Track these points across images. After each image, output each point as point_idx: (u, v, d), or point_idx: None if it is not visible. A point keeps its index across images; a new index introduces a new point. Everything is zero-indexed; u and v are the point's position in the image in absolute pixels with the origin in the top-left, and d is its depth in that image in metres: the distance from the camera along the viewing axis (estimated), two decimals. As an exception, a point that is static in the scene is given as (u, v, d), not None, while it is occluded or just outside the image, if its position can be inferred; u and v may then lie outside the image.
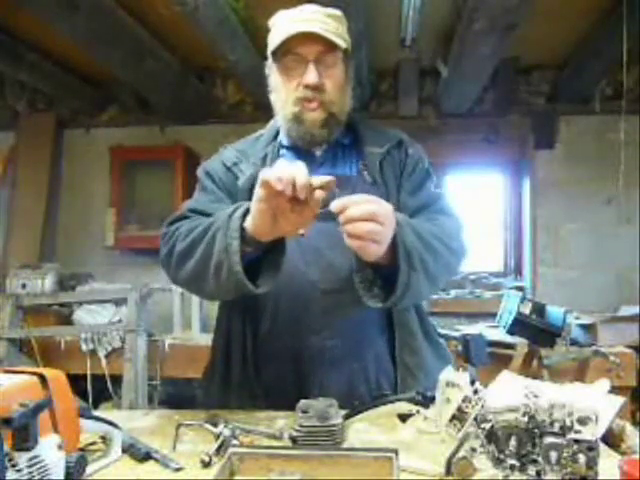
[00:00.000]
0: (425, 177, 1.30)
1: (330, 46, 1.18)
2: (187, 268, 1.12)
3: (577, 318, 2.83)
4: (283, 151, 1.31)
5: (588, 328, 2.75)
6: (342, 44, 1.19)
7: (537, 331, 2.61)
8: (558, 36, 2.98)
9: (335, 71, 1.21)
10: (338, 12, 1.24)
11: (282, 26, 1.20)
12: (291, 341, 1.19)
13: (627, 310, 2.84)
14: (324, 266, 1.18)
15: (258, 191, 0.99)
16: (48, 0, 2.25)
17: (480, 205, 3.75)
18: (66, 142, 3.83)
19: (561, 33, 2.94)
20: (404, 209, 1.22)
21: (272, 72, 1.26)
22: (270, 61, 1.25)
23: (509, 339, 2.63)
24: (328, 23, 1.18)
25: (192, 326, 3.04)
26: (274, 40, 1.20)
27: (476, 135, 3.49)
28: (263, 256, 1.08)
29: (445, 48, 2.96)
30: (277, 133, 1.33)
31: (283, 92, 1.23)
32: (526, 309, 2.67)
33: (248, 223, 1.03)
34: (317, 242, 1.19)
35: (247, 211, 1.04)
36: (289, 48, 1.18)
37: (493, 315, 2.98)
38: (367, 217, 0.97)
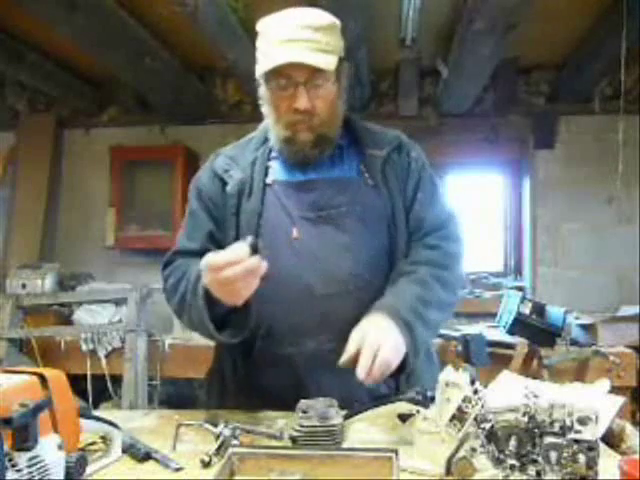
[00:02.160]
0: (432, 190, 1.30)
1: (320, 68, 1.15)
2: (183, 322, 1.25)
3: (577, 318, 2.83)
4: (275, 154, 1.30)
5: (588, 328, 2.74)
6: (332, 66, 1.16)
7: (537, 331, 2.60)
8: (558, 36, 2.98)
9: (326, 90, 1.19)
10: (329, 20, 1.19)
11: (269, 46, 1.16)
12: (288, 345, 1.19)
13: (627, 310, 2.84)
14: (320, 270, 1.17)
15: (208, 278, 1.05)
16: (48, 0, 2.25)
17: (480, 205, 3.75)
18: (66, 142, 3.82)
19: (561, 33, 2.94)
20: (411, 224, 1.24)
21: (262, 86, 1.24)
22: (258, 69, 1.21)
23: (509, 339, 2.63)
24: (318, 40, 1.14)
25: (192, 326, 3.03)
26: (262, 63, 1.18)
27: (476, 135, 3.48)
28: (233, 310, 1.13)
29: (445, 48, 2.96)
30: (268, 136, 1.31)
31: (274, 113, 1.22)
32: (526, 309, 2.66)
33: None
34: (312, 246, 1.19)
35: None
36: (278, 70, 1.15)
37: (493, 315, 2.98)
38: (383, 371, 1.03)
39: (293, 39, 1.14)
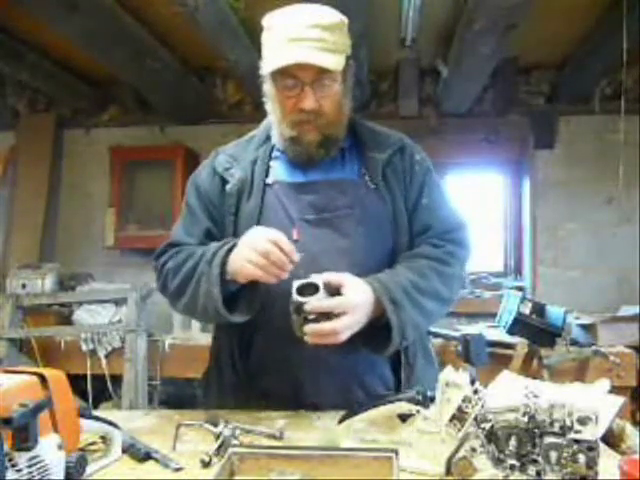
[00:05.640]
0: (439, 196, 1.30)
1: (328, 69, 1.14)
2: (180, 305, 1.22)
3: (577, 318, 2.83)
4: (276, 153, 1.29)
5: (588, 328, 2.74)
6: (339, 67, 1.15)
7: (537, 331, 2.60)
8: (558, 36, 2.98)
9: (333, 90, 1.18)
10: (337, 18, 1.17)
11: (276, 44, 1.15)
12: (286, 348, 1.18)
13: (627, 310, 2.84)
14: (319, 272, 1.14)
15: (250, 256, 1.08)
16: (48, 0, 2.25)
17: (480, 205, 3.75)
18: (66, 142, 3.82)
19: (561, 33, 2.94)
20: (416, 228, 1.25)
21: (267, 83, 1.22)
22: (264, 67, 1.20)
23: (509, 339, 2.63)
24: (326, 40, 1.12)
25: (192, 326, 3.03)
26: (268, 61, 1.16)
27: (476, 135, 3.48)
28: (241, 288, 1.15)
29: (445, 48, 2.96)
30: (270, 135, 1.31)
31: (279, 111, 1.21)
32: (526, 309, 2.66)
33: (231, 267, 1.12)
34: (312, 248, 1.18)
35: (228, 251, 1.13)
36: (285, 70, 1.14)
37: (493, 315, 2.98)
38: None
39: (300, 38, 1.12)
